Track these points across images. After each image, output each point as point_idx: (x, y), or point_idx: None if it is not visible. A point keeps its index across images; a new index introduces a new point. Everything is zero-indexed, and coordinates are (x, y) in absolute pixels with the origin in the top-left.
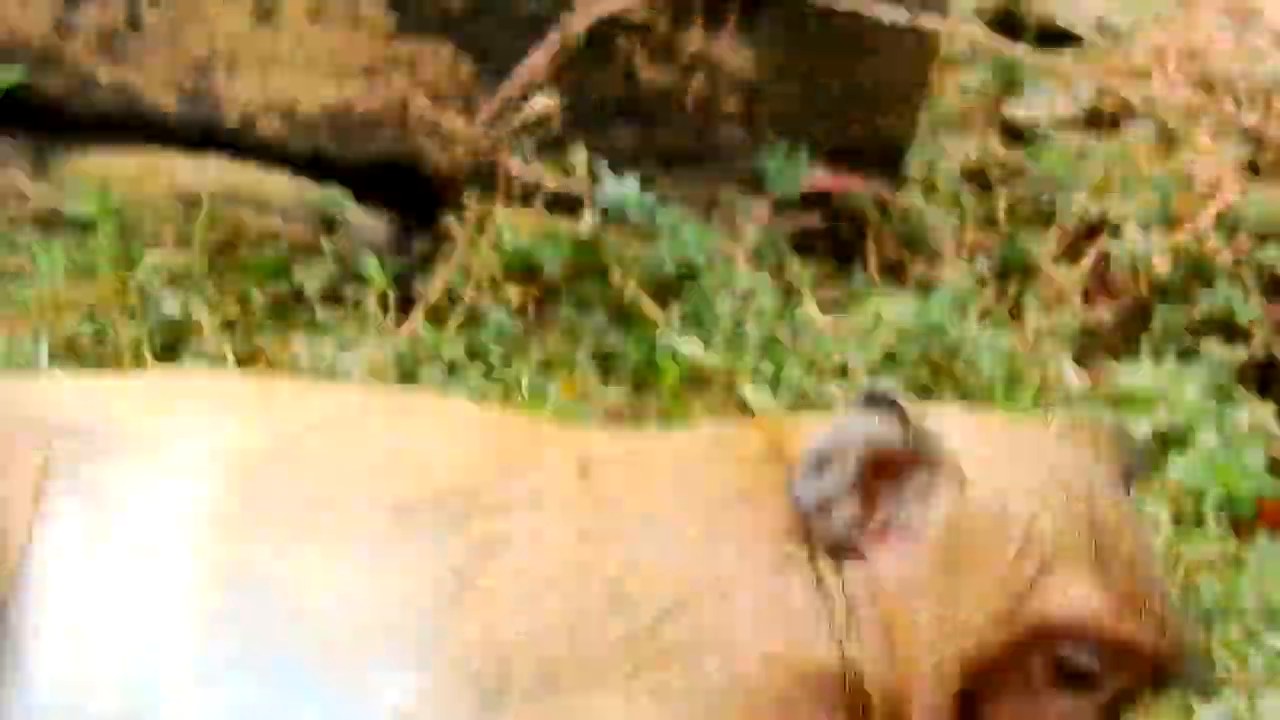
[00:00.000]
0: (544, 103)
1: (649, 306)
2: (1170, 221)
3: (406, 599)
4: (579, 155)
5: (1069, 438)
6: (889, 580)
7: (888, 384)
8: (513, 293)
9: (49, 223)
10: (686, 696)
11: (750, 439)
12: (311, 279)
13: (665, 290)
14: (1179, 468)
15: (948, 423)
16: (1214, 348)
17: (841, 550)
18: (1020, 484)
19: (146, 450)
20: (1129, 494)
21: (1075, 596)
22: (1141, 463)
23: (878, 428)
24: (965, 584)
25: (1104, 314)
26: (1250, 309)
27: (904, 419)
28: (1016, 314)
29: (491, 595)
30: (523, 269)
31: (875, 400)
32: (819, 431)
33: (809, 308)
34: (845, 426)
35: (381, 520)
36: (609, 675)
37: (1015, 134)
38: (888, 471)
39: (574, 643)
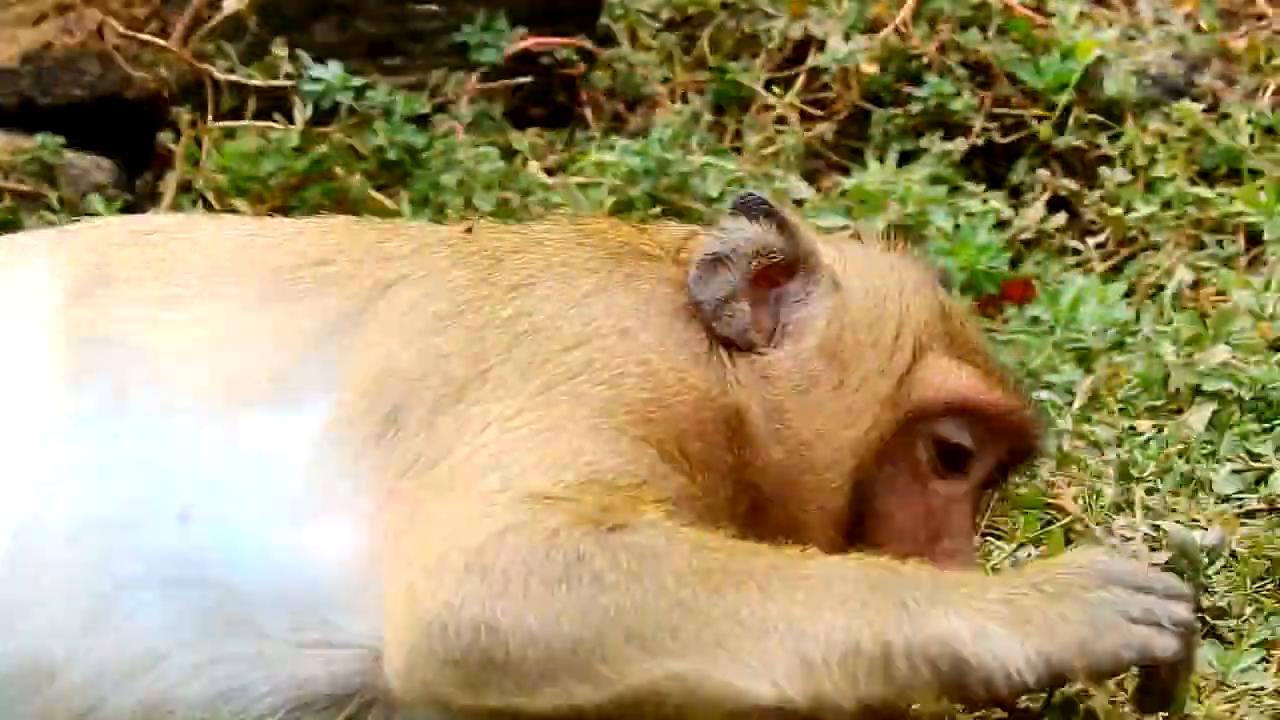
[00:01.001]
0: (234, 3)
1: (379, 197)
2: (872, 28)
3: (293, 342)
4: (281, 53)
5: (896, 250)
6: (782, 377)
7: (758, 192)
8: (242, 207)
9: None
10: (605, 402)
11: (612, 230)
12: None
13: (392, 178)
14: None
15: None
16: (935, 143)
17: (736, 348)
18: (882, 283)
19: None
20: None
21: (949, 375)
22: (945, 276)
23: (763, 234)
24: (849, 376)
25: (824, 129)
26: (964, 99)
27: (784, 226)
28: (738, 143)
29: (387, 327)
30: (247, 182)
31: (749, 207)
32: (707, 234)
33: (533, 169)
34: (733, 231)
35: (257, 282)
36: (521, 387)
37: None
38: (771, 275)
39: (480, 366)
